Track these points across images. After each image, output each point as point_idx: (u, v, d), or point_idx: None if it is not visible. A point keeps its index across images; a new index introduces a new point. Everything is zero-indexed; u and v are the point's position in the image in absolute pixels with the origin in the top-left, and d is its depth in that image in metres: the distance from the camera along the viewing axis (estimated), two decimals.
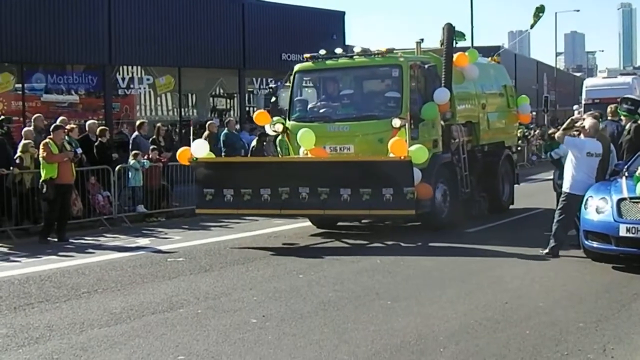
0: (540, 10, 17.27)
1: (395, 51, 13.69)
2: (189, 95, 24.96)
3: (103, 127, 16.88)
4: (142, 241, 13.52)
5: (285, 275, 10.06)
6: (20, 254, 12.31)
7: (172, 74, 23.99)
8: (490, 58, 17.33)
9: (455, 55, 14.35)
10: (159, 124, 18.89)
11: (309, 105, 14.15)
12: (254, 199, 12.69)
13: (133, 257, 11.81)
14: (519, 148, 18.97)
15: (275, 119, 14.04)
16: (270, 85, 14.47)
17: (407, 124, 12.61)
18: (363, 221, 14.52)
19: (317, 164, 12.89)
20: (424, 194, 12.52)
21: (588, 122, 10.98)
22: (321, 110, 13.94)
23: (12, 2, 20.32)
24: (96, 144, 15.81)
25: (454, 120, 14.37)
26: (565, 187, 10.86)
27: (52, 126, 13.91)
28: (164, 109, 24.25)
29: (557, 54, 64.57)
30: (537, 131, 38.16)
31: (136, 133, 17.58)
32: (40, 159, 13.29)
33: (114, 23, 22.56)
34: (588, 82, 31.49)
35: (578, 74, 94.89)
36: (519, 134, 35.76)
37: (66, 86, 22.04)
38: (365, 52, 13.89)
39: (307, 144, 13.11)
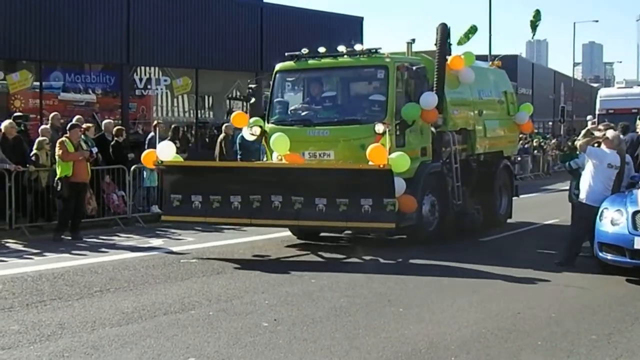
0: (536, 16, 16.67)
1: (383, 52, 13.39)
2: (206, 97, 25.09)
3: (119, 127, 17.44)
4: (156, 242, 13.87)
5: (297, 279, 10.40)
6: (34, 251, 12.75)
7: (190, 75, 24.68)
8: (490, 62, 17.22)
9: (449, 58, 14.16)
10: (175, 125, 19.01)
11: (290, 108, 13.91)
12: (224, 206, 12.29)
13: (146, 257, 12.16)
14: (518, 158, 18.07)
15: (252, 120, 13.80)
16: (249, 86, 14.50)
17: (391, 130, 12.44)
18: (345, 232, 14.26)
19: (291, 171, 12.56)
20: (407, 207, 12.18)
21: (610, 133, 11.28)
22: (302, 113, 13.64)
23: (31, 0, 20.97)
24: (112, 143, 16.38)
25: (446, 127, 14.09)
26: (582, 197, 11.21)
27: (69, 125, 14.39)
28: (181, 110, 24.67)
29: (575, 64, 64.60)
30: (554, 141, 37.92)
31: (152, 133, 17.91)
32: (56, 157, 13.74)
33: (132, 23, 23.20)
34: (602, 92, 31.25)
35: (595, 85, 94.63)
36: (535, 143, 35.57)
37: (84, 85, 22.57)
38: (349, 52, 13.51)
39: (280, 149, 12.83)
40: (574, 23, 61.76)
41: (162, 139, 15.83)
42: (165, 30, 23.98)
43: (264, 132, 13.45)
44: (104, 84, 23.21)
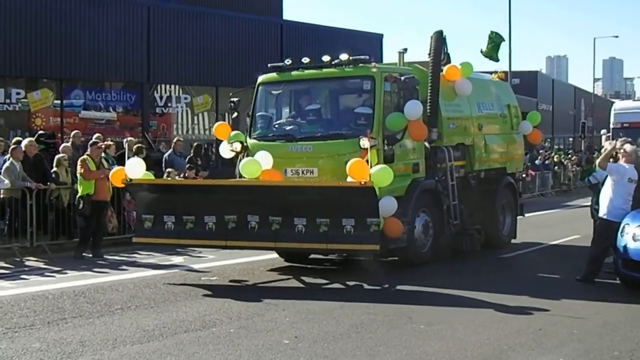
0: (494, 40, 15.74)
1: (372, 62, 13.17)
2: (226, 114, 25.27)
3: (139, 145, 17.88)
4: (176, 259, 14.44)
5: (318, 295, 10.97)
6: (55, 269, 13.49)
7: (210, 93, 25.43)
8: (493, 74, 16.88)
9: (444, 68, 14.09)
10: (197, 143, 19.28)
11: (272, 122, 13.84)
12: (198, 227, 12.16)
13: (167, 274, 12.81)
14: (523, 175, 17.42)
15: (232, 134, 13.68)
16: (231, 99, 14.22)
17: (378, 144, 12.24)
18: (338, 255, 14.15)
19: (267, 189, 12.33)
20: (392, 231, 12.02)
21: (628, 147, 11.75)
22: (284, 128, 13.56)
23: (52, 19, 22.23)
24: None
25: (441, 142, 14.03)
26: (602, 213, 11.70)
27: (89, 142, 15.03)
28: (201, 128, 25.18)
29: (595, 80, 64.78)
30: (574, 157, 37.73)
31: (170, 150, 18.73)
32: (78, 175, 14.38)
33: (152, 41, 24.35)
34: (617, 106, 30.96)
35: (616, 101, 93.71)
36: (555, 159, 35.28)
37: (104, 103, 23.61)
38: (334, 62, 13.34)
39: (250, 173, 12.66)
40: (594, 39, 61.95)
41: (183, 156, 15.72)
42: (185, 48, 25.25)
43: (245, 148, 13.38)
44: (124, 102, 24.32)
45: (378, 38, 32.19)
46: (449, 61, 14.47)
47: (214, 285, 11.76)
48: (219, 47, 26.24)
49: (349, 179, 11.58)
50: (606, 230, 11.48)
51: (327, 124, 13.38)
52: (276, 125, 13.72)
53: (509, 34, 36.31)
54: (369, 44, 29.50)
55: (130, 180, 12.47)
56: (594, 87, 73.65)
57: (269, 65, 13.86)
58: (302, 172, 12.77)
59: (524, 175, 18.22)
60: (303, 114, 13.58)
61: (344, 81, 13.40)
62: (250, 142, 13.46)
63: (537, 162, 34.35)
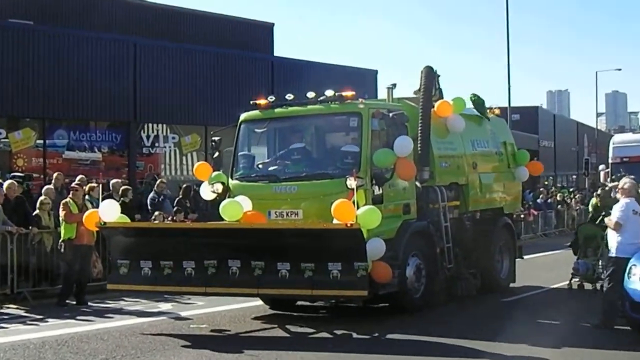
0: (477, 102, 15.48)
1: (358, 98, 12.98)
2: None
3: (126, 187, 17.78)
4: (164, 306, 14.22)
5: (303, 346, 10.61)
6: (37, 317, 13.21)
7: (199, 132, 24.78)
8: (488, 110, 16.34)
9: (436, 104, 13.83)
10: (186, 185, 19.40)
11: (255, 162, 13.58)
12: (176, 273, 11.87)
13: (154, 322, 12.56)
14: (521, 216, 17.13)
15: (213, 175, 13.36)
16: (213, 138, 13.98)
17: (366, 184, 11.93)
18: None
19: (249, 232, 12.00)
20: (380, 276, 11.62)
21: (627, 182, 11.46)
22: (268, 168, 13.32)
23: (36, 57, 21.83)
24: (119, 203, 15.59)
25: (434, 182, 13.73)
26: (612, 252, 11.33)
27: (72, 185, 14.85)
28: (190, 168, 24.62)
29: (598, 115, 64.43)
30: (578, 195, 37.36)
31: (153, 193, 18.46)
32: (60, 218, 14.11)
33: (139, 79, 24.01)
34: (616, 139, 30.62)
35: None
36: (558, 198, 34.89)
37: (89, 143, 23.21)
38: (320, 98, 13.15)
39: (231, 216, 12.39)
40: (596, 72, 61.84)
41: (169, 198, 15.26)
42: (173, 85, 24.94)
43: (227, 189, 13.08)
44: (110, 142, 23.98)
45: (372, 74, 31.96)
46: (441, 97, 14.25)
47: (200, 335, 11.47)
48: (207, 85, 25.98)
49: (335, 221, 11.24)
50: (618, 268, 11.10)
51: (313, 163, 13.09)
52: (259, 165, 13.49)
53: (507, 68, 36.29)
54: (363, 80, 29.29)
55: (104, 223, 12.17)
56: (597, 122, 73.46)
57: (251, 102, 13.57)
58: (287, 214, 12.48)
59: (522, 216, 17.84)
60: (287, 153, 13.30)
61: (330, 118, 13.17)
62: (232, 183, 13.19)
63: (539, 200, 34.12)
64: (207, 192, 13.50)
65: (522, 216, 17.78)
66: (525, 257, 17.10)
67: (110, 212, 12.32)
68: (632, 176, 12.63)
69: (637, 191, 11.76)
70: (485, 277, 14.87)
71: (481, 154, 15.20)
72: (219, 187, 13.10)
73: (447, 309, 13.36)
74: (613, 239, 11.37)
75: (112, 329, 11.75)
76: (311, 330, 11.78)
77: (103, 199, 12.81)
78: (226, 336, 11.44)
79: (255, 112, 13.50)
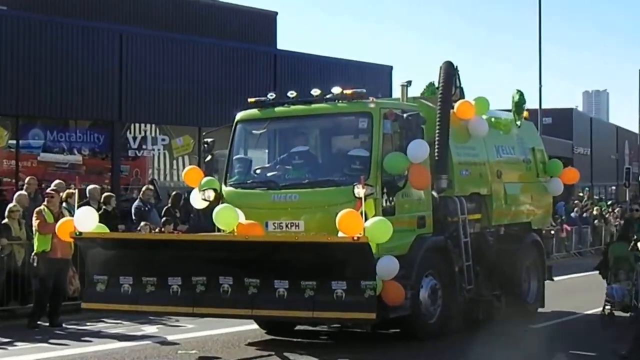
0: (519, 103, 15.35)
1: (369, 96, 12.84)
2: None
3: (109, 194, 17.75)
4: (149, 329, 14.12)
5: None
6: (4, 341, 12.98)
7: (192, 134, 24.92)
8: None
9: (456, 104, 13.71)
10: (176, 192, 19.33)
11: (252, 166, 13.50)
12: (160, 291, 11.74)
13: (137, 347, 12.43)
14: (552, 232, 16.93)
15: (204, 181, 13.21)
16: (205, 140, 13.90)
17: (376, 193, 11.84)
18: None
19: (243, 245, 11.79)
20: (391, 298, 11.51)
21: None
22: (266, 173, 13.26)
23: (8, 46, 21.54)
24: (100, 212, 16.40)
25: (452, 192, 13.60)
26: None
27: (47, 191, 14.76)
28: (181, 174, 24.02)
29: None
30: (617, 209, 37.15)
31: (138, 202, 18.46)
32: (33, 229, 14.03)
33: (125, 74, 23.82)
34: None
35: None
36: (595, 212, 34.74)
37: (68, 144, 22.90)
38: (325, 96, 13.02)
39: (226, 224, 12.31)
40: (639, 70, 60.82)
41: (156, 207, 15.16)
42: (163, 81, 24.77)
43: (220, 197, 12.96)
44: (91, 144, 23.70)
45: (387, 70, 31.65)
46: (462, 96, 14.15)
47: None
48: (202, 81, 25.67)
49: (340, 234, 11.13)
50: None
51: (317, 169, 12.98)
52: (257, 171, 13.39)
53: (539, 65, 36.21)
54: (376, 77, 29.16)
55: (80, 233, 12.01)
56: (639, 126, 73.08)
57: (249, 99, 13.45)
58: (287, 226, 12.38)
59: (552, 232, 17.67)
60: (288, 157, 13.16)
61: (337, 119, 13.11)
62: (226, 189, 13.09)
63: (573, 214, 33.86)
64: (197, 200, 13.39)
65: (552, 232, 17.63)
66: (556, 278, 16.95)
67: (86, 220, 12.18)
68: None
69: None
70: (509, 301, 14.60)
71: (507, 161, 15.08)
72: (210, 195, 12.95)
73: (466, 336, 13.12)
74: None
75: (89, 355, 11.68)
76: (312, 359, 11.63)
77: (79, 206, 12.65)
78: None
79: (253, 111, 13.40)
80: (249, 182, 13.15)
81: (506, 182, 14.88)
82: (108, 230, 12.94)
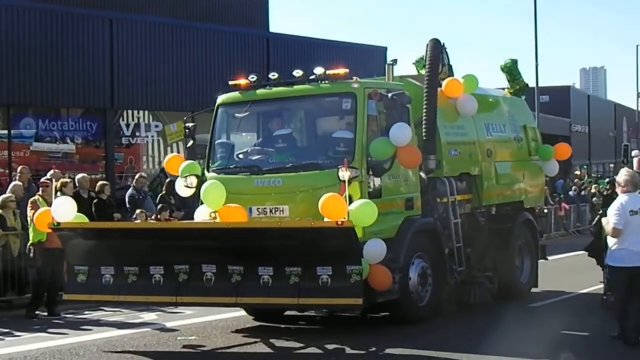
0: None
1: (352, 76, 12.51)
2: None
3: (103, 182, 17.74)
4: (148, 316, 13.99)
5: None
6: (2, 331, 12.91)
7: (195, 120, 23.72)
8: (507, 89, 16.14)
9: (444, 82, 13.46)
10: (170, 179, 18.84)
11: (235, 151, 13.20)
12: (142, 280, 11.52)
13: (136, 335, 12.39)
14: (545, 211, 16.66)
15: (184, 166, 12.95)
16: (186, 124, 13.76)
17: (361, 176, 11.57)
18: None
19: (225, 232, 11.54)
20: (378, 283, 11.29)
21: (623, 174, 10.87)
22: (249, 158, 12.94)
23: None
24: (95, 201, 16.72)
25: (441, 172, 13.35)
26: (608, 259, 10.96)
27: (41, 180, 14.62)
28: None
29: (639, 95, 63.08)
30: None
31: (131, 190, 18.38)
32: (28, 219, 13.91)
33: (116, 60, 23.54)
34: None
35: None
36: (593, 190, 34.37)
37: (60, 133, 22.71)
38: (308, 78, 12.70)
39: (213, 202, 12.04)
40: (637, 46, 60.31)
41: (151, 195, 14.89)
42: (154, 67, 24.50)
43: (202, 183, 12.66)
44: (84, 132, 23.48)
45: (381, 51, 31.28)
46: (451, 74, 13.95)
47: (192, 346, 11.38)
48: (194, 65, 25.36)
49: (325, 219, 10.88)
50: (619, 282, 10.65)
51: (300, 152, 12.66)
52: (239, 155, 13.09)
53: (535, 43, 35.75)
54: (370, 58, 28.84)
55: (58, 224, 11.67)
56: (637, 102, 72.50)
57: (230, 82, 13.16)
58: (271, 211, 12.11)
59: (545, 211, 17.37)
60: (271, 140, 12.86)
61: (320, 100, 12.72)
62: (209, 175, 12.80)
63: (571, 193, 33.75)
64: (181, 187, 13.13)
65: (545, 211, 17.39)
66: (553, 257, 16.91)
67: (64, 210, 11.83)
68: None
69: (636, 185, 10.88)
70: (502, 282, 14.44)
71: (497, 139, 14.80)
72: (193, 181, 12.72)
73: (457, 319, 12.91)
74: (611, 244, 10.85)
75: (88, 343, 11.59)
76: (299, 345, 11.45)
77: (56, 196, 12.38)
78: (212, 352, 11.13)
79: (234, 94, 13.12)
80: (231, 167, 12.86)
81: (497, 161, 14.62)
82: (87, 220, 12.62)
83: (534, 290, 15.44)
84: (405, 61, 15.01)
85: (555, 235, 28.85)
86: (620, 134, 59.82)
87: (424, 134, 12.70)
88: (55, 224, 11.68)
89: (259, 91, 12.96)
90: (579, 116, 52.40)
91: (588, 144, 53.51)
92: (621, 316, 10.83)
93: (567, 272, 16.58)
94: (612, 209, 10.71)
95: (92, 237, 12.14)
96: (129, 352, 11.08)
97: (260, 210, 12.15)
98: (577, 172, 39.46)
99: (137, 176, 19.48)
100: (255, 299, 11.29)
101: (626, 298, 10.66)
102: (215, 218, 12.01)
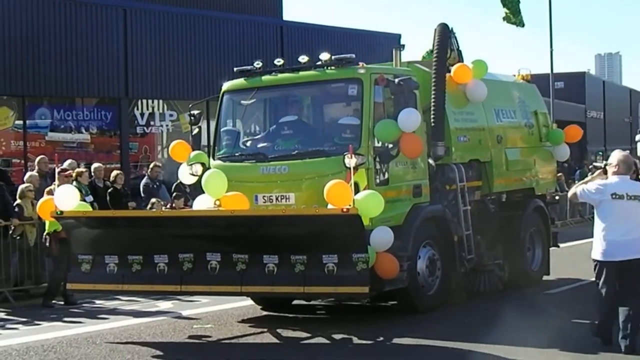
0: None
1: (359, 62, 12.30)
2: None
3: (117, 172, 17.70)
4: (164, 305, 14.02)
5: (294, 355, 10.34)
6: (20, 320, 13.02)
7: (200, 107, 23.40)
8: (517, 75, 15.83)
9: (453, 68, 13.25)
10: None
11: (240, 138, 13.02)
12: (146, 269, 11.34)
13: (153, 323, 12.41)
14: (556, 197, 16.29)
15: (192, 155, 12.83)
16: (191, 112, 13.40)
17: (368, 163, 11.36)
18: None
19: (230, 220, 11.33)
20: (385, 271, 11.08)
21: (615, 155, 9.93)
22: (255, 145, 12.77)
23: (11, 26, 21.33)
24: (110, 190, 16.79)
25: (450, 159, 13.10)
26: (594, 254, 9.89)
27: (58, 170, 14.25)
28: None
29: None
30: (632, 173, 36.19)
31: (146, 179, 18.45)
32: None
33: (131, 49, 23.50)
34: None
35: None
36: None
37: (75, 123, 22.79)
38: (314, 64, 12.48)
39: (214, 191, 11.85)
40: None
41: (166, 184, 14.68)
42: (169, 56, 24.45)
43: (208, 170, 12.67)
44: (99, 121, 23.56)
45: (394, 38, 30.79)
46: (461, 60, 13.68)
47: (208, 334, 11.33)
48: (208, 55, 25.28)
49: (330, 206, 10.71)
50: (598, 274, 9.71)
51: (306, 139, 12.38)
52: (245, 143, 12.89)
53: (549, 29, 35.20)
54: (384, 46, 28.59)
55: (61, 212, 11.46)
56: None
57: (235, 69, 12.98)
58: (277, 199, 11.89)
59: (556, 197, 17.02)
60: (277, 127, 12.67)
61: (326, 86, 12.49)
62: (214, 163, 12.61)
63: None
64: (186, 175, 12.98)
65: (556, 198, 17.10)
66: (566, 244, 16.74)
67: (67, 199, 11.70)
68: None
69: (629, 167, 9.99)
70: (513, 269, 14.24)
71: (507, 125, 14.55)
72: (198, 169, 12.57)
73: (467, 308, 12.70)
74: (595, 237, 9.81)
75: (105, 332, 11.62)
76: (305, 335, 11.27)
77: (59, 185, 12.22)
78: (218, 342, 11.03)
79: (239, 81, 12.89)
80: (237, 154, 12.67)
81: (507, 148, 14.38)
82: (90, 209, 12.59)
83: (550, 278, 15.26)
84: (421, 51, 14.76)
85: (570, 222, 28.72)
86: (636, 120, 59.28)
87: (432, 120, 12.51)
88: (58, 212, 11.50)
89: (265, 78, 12.73)
90: (594, 102, 52.19)
91: (604, 130, 53.28)
92: (607, 317, 9.78)
93: (580, 259, 16.19)
94: (593, 184, 9.81)
95: (96, 225, 11.93)
96: (145, 342, 10.98)
97: (266, 198, 11.96)
98: (594, 159, 39.01)
99: (151, 165, 19.43)
100: (261, 287, 11.16)
101: (615, 296, 9.66)
102: (219, 206, 11.79)
